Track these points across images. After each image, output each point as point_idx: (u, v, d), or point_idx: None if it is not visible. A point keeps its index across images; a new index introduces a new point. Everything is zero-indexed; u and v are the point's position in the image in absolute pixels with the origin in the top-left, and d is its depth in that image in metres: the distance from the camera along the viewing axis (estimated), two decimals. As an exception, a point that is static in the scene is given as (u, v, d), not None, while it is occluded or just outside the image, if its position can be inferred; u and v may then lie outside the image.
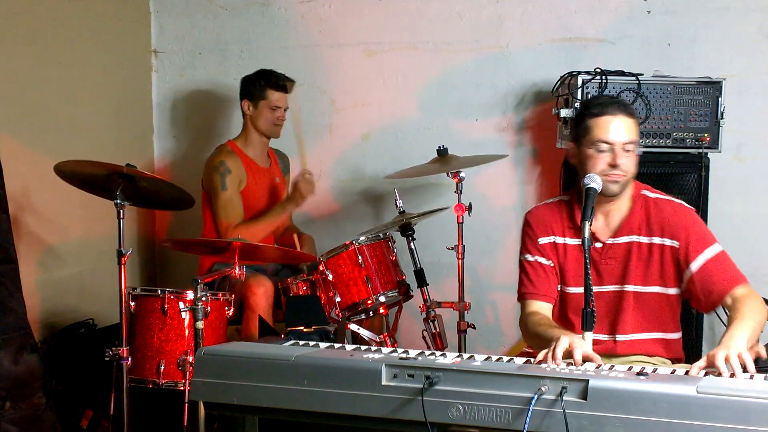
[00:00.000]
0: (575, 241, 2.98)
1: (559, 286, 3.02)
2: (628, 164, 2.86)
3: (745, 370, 2.42)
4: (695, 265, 2.86)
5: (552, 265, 3.00)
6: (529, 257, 3.03)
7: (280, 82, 4.41)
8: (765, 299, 2.85)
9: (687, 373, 2.44)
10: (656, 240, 2.91)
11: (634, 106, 4.06)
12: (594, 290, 2.89)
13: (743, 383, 2.29)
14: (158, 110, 5.20)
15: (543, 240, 3.02)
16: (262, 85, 4.39)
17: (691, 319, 3.95)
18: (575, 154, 2.95)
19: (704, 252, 2.87)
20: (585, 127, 2.89)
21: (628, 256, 2.93)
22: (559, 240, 3.01)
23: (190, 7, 5.10)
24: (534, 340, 2.89)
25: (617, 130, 2.84)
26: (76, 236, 4.50)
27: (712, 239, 2.91)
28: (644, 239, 2.92)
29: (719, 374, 2.41)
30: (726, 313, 2.84)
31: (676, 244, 2.88)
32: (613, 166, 2.83)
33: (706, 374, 2.42)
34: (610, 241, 2.94)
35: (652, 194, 2.98)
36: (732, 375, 2.40)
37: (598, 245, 2.93)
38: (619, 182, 2.86)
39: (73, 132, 4.47)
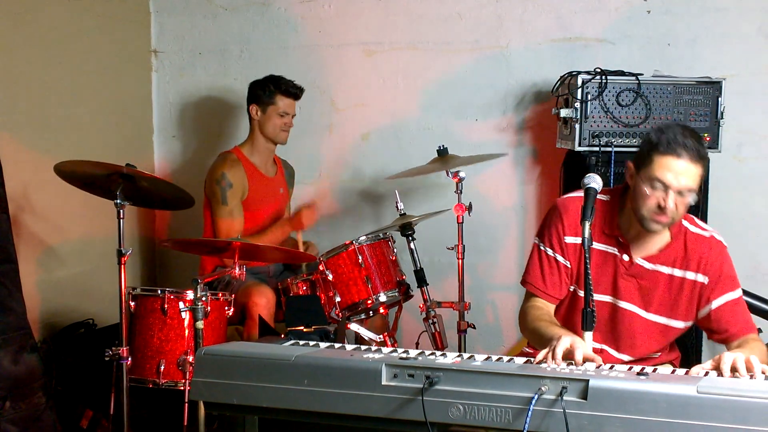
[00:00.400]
0: (602, 246, 2.88)
1: (571, 287, 2.95)
2: (681, 210, 2.75)
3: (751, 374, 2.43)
4: (716, 303, 2.86)
5: (569, 266, 2.92)
6: (549, 251, 2.93)
7: (290, 89, 4.41)
8: (748, 292, 2.86)
9: (687, 372, 2.44)
10: (689, 275, 2.86)
11: (634, 106, 4.07)
12: (609, 301, 2.90)
13: (743, 383, 2.29)
14: (158, 110, 5.19)
15: (570, 239, 2.91)
16: (272, 90, 4.38)
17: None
18: (632, 176, 2.82)
19: (729, 293, 2.87)
20: (649, 158, 2.75)
21: (656, 285, 2.88)
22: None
23: (190, 7, 5.10)
24: (532, 335, 2.87)
25: (677, 175, 2.69)
26: (76, 236, 4.50)
27: (737, 283, 2.91)
28: (677, 272, 2.87)
29: (720, 374, 2.41)
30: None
31: (706, 280, 2.86)
32: (662, 209, 2.73)
33: (705, 374, 2.42)
34: (639, 261, 2.87)
35: (692, 228, 2.90)
36: (734, 374, 2.41)
37: (626, 258, 2.88)
38: (662, 224, 2.77)
39: (73, 132, 4.47)
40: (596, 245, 2.86)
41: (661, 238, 2.88)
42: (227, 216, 4.29)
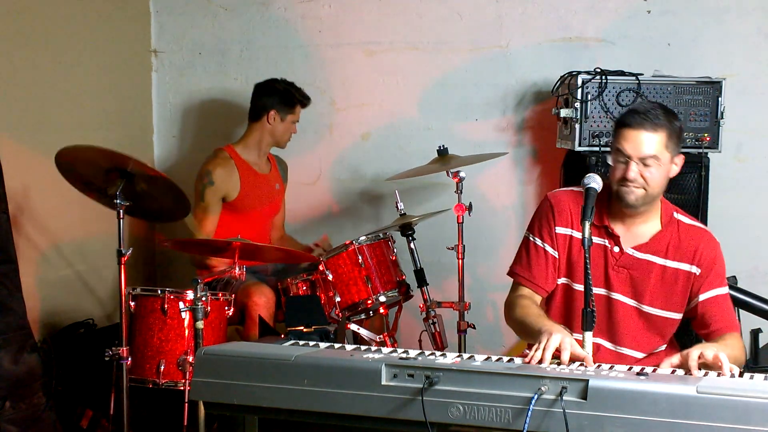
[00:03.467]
0: (593, 239, 2.87)
1: (562, 279, 2.96)
2: (649, 179, 2.77)
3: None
4: (704, 296, 2.87)
5: (557, 257, 2.93)
6: (538, 241, 2.95)
7: (306, 101, 4.52)
8: (748, 292, 2.86)
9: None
10: (684, 266, 2.88)
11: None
12: (602, 294, 2.91)
13: (743, 383, 2.29)
14: (158, 110, 5.19)
15: (560, 230, 2.94)
16: (295, 99, 4.45)
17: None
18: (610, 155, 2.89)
19: (717, 288, 2.88)
20: (614, 132, 2.84)
21: (647, 275, 2.89)
22: (577, 234, 2.90)
23: (190, 7, 5.10)
24: (519, 326, 2.87)
25: (636, 144, 2.75)
26: (76, 236, 4.50)
27: (726, 281, 2.93)
28: (671, 263, 2.88)
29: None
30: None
31: (698, 271, 2.88)
32: (625, 179, 2.77)
33: (705, 374, 2.42)
34: (630, 251, 2.89)
35: (684, 219, 2.93)
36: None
37: (616, 249, 2.89)
38: (633, 194, 2.79)
39: (73, 132, 4.45)
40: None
41: (651, 227, 2.90)
42: (200, 212, 4.31)
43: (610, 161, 2.84)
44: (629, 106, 2.83)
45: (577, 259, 2.93)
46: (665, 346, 3.01)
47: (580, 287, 2.91)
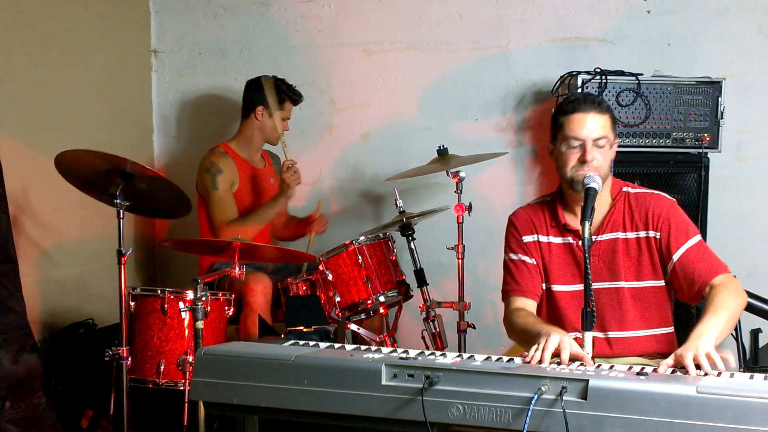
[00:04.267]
0: (559, 240, 3.02)
1: (544, 284, 3.04)
2: (601, 160, 2.88)
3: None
4: (676, 255, 2.88)
5: (535, 263, 3.03)
6: (513, 256, 3.07)
7: (296, 97, 4.50)
8: (748, 292, 2.83)
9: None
10: (641, 234, 2.94)
11: (634, 106, 4.08)
12: (580, 289, 2.90)
13: (743, 383, 2.29)
14: (158, 110, 5.20)
15: (527, 238, 3.06)
16: (282, 96, 4.43)
17: (682, 314, 3.93)
18: (552, 152, 3.00)
19: (686, 243, 2.89)
20: (559, 124, 2.94)
21: (613, 253, 2.95)
22: (543, 239, 3.04)
23: (190, 7, 5.10)
24: (520, 336, 2.91)
25: (587, 126, 2.87)
26: (76, 236, 4.50)
27: (694, 230, 2.94)
28: (631, 234, 2.95)
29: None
30: None
31: (657, 235, 2.92)
32: (583, 162, 2.87)
33: (705, 374, 2.42)
34: (592, 238, 2.92)
35: (633, 190, 3.01)
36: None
37: (581, 243, 2.90)
38: (592, 177, 2.86)
39: (73, 132, 4.46)
40: (553, 240, 3.02)
41: (602, 208, 2.96)
42: (219, 202, 4.30)
43: (557, 154, 2.93)
44: (565, 98, 2.97)
45: (550, 260, 3.03)
46: (672, 328, 3.01)
47: (557, 287, 3.01)
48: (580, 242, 2.93)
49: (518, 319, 2.92)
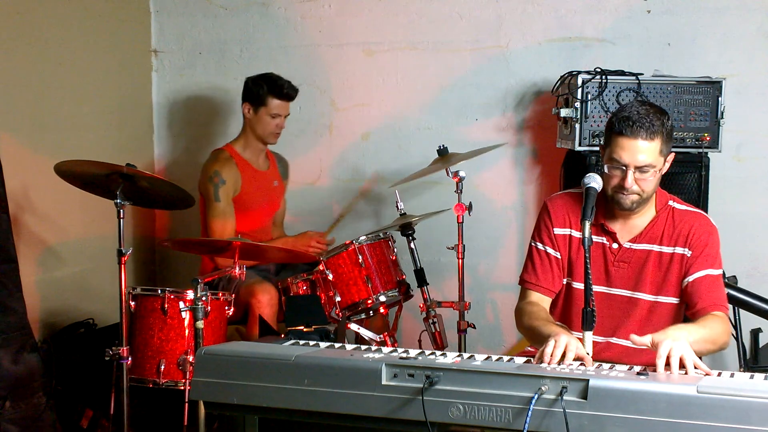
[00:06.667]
0: (593, 237, 2.89)
1: (565, 279, 3.00)
2: (644, 186, 2.80)
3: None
4: (692, 277, 2.87)
5: (560, 257, 2.98)
6: (540, 245, 3.01)
7: (283, 91, 4.32)
8: (748, 291, 2.81)
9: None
10: (678, 250, 2.89)
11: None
12: (601, 291, 2.92)
13: (744, 383, 2.29)
14: (158, 110, 5.20)
15: (558, 231, 2.99)
16: (264, 91, 4.29)
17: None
18: (602, 156, 2.90)
19: (707, 270, 2.87)
20: (607, 138, 2.85)
21: (644, 264, 2.91)
22: (576, 234, 2.96)
23: (190, 7, 5.10)
24: (529, 332, 2.90)
25: (632, 154, 2.76)
26: (76, 236, 4.50)
27: (719, 264, 2.91)
28: (666, 249, 2.90)
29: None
30: None
31: (689, 253, 2.88)
32: (623, 187, 2.80)
33: (705, 374, 2.42)
34: (627, 245, 2.91)
35: (678, 205, 2.96)
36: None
37: (615, 246, 2.92)
38: (629, 199, 2.82)
39: (73, 132, 4.47)
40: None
41: (645, 218, 2.93)
42: (219, 215, 4.26)
43: (605, 169, 2.85)
44: (622, 109, 2.84)
45: (576, 258, 2.97)
46: None
47: (578, 285, 2.96)
48: (613, 244, 2.92)
49: (529, 315, 2.90)
